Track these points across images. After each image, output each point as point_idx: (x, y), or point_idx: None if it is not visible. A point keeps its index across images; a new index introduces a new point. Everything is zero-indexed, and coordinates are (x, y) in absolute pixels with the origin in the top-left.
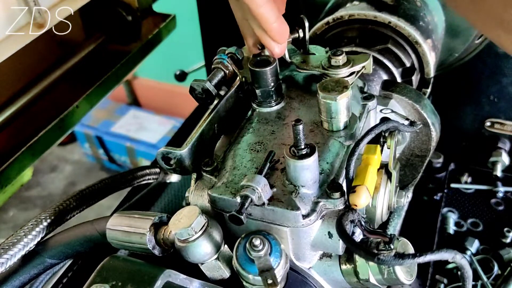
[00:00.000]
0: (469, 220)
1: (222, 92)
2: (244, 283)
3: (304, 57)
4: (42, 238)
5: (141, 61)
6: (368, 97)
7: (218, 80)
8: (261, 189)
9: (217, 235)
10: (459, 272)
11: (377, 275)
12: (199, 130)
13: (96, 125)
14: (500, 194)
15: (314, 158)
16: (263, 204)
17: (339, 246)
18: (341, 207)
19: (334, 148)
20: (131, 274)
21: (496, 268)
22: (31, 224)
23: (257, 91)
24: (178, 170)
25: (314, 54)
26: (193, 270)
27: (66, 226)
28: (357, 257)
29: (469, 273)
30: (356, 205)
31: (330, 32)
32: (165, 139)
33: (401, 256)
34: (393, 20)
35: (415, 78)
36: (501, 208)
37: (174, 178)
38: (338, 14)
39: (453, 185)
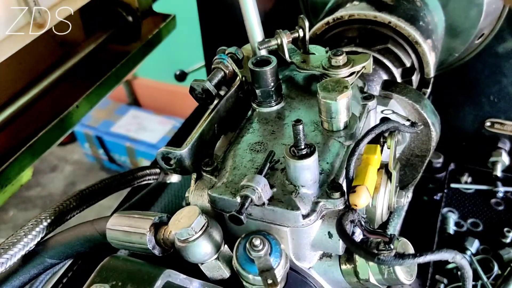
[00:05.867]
0: (469, 220)
1: (222, 92)
2: (244, 283)
3: (304, 57)
4: (42, 238)
5: (141, 61)
6: (368, 97)
7: (218, 80)
8: (261, 189)
9: (217, 235)
10: (459, 272)
11: (377, 275)
12: (199, 130)
13: (96, 125)
14: (500, 194)
15: (314, 158)
16: (263, 204)
17: (339, 246)
18: (341, 207)
19: (334, 148)
20: (131, 274)
21: (496, 268)
22: (31, 224)
23: (257, 91)
24: (178, 170)
25: (314, 54)
26: (193, 270)
27: (66, 226)
28: (357, 257)
29: (469, 273)
30: (356, 205)
31: (330, 32)
32: (165, 139)
33: (401, 256)
34: (393, 20)
35: (415, 78)
36: (501, 208)
37: (174, 178)
38: (338, 14)
39: (453, 185)
